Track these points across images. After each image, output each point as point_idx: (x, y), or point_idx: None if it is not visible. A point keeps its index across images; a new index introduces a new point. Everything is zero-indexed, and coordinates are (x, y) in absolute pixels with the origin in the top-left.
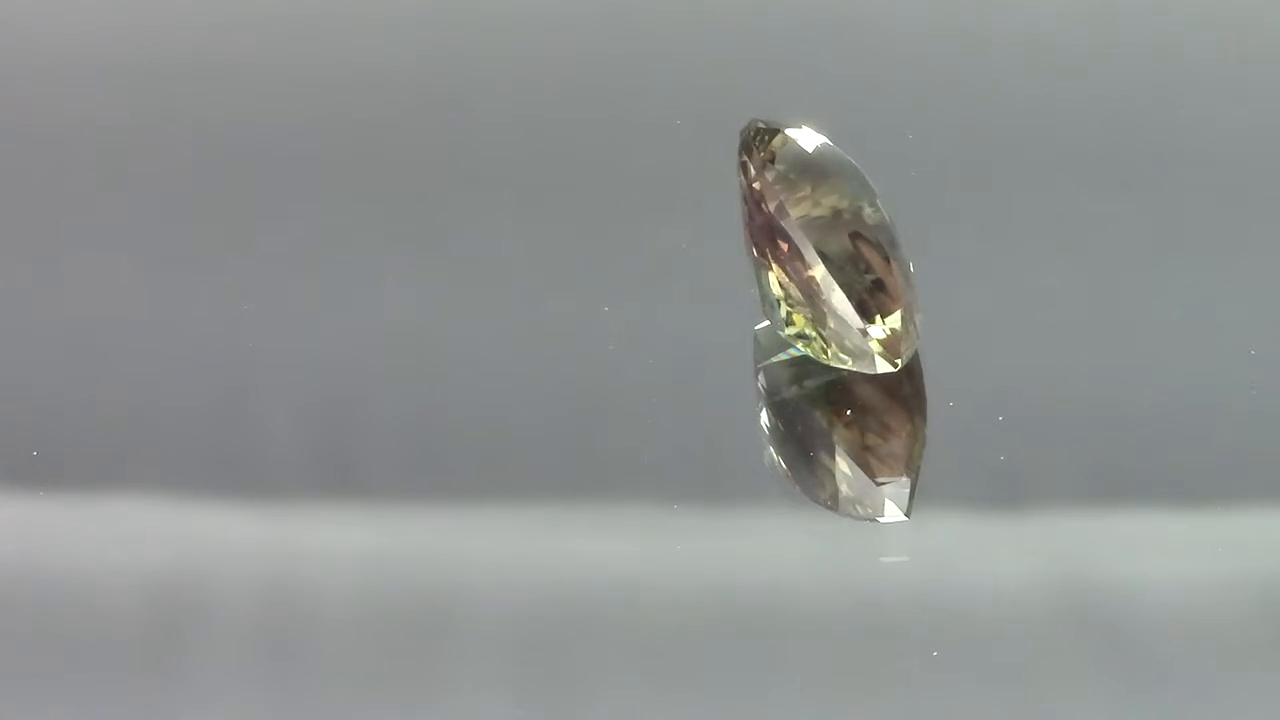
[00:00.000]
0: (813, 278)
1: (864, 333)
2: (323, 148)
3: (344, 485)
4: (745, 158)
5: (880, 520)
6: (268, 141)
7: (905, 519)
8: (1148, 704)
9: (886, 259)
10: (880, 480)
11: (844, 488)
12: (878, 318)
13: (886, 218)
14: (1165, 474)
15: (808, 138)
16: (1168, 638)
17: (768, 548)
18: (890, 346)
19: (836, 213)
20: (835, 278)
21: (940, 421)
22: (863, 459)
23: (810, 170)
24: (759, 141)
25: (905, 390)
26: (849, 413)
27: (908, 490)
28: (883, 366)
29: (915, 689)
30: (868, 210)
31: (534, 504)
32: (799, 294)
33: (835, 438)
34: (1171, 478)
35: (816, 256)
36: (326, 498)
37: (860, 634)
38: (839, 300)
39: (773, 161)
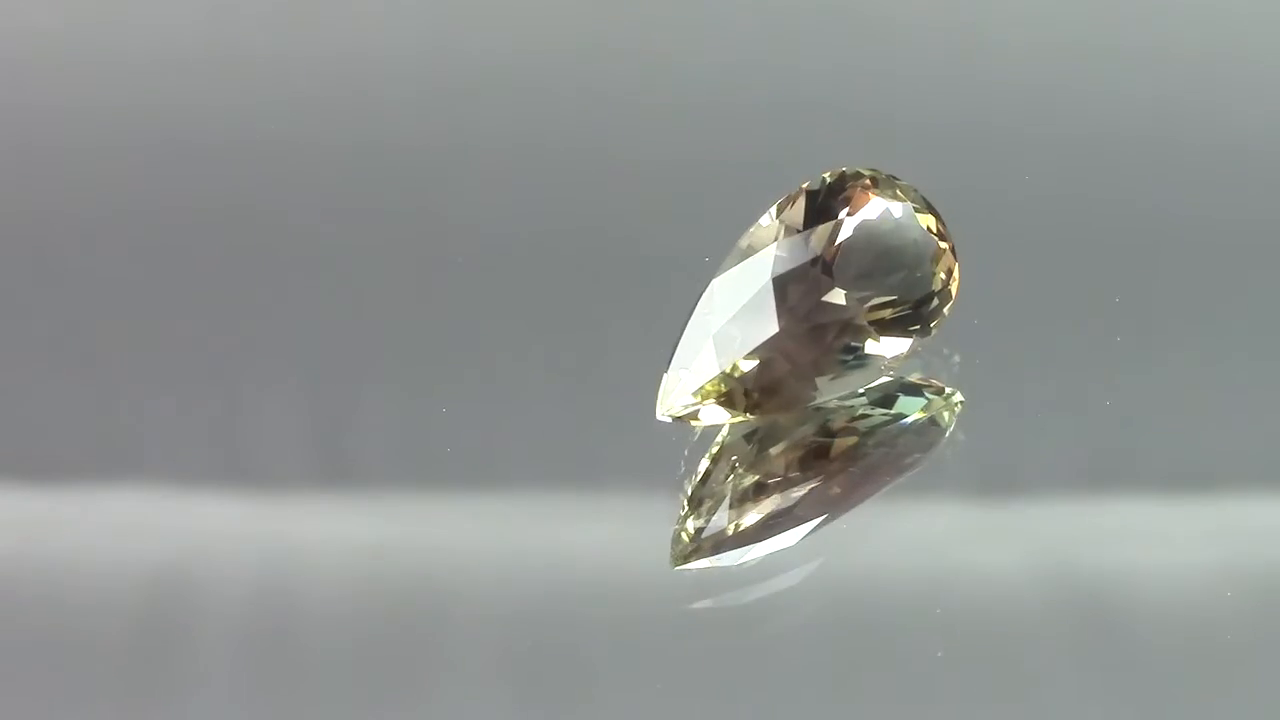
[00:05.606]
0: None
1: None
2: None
3: (339, 475)
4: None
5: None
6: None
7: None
8: (1139, 694)
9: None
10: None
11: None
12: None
13: (865, 308)
14: (1157, 461)
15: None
16: (1160, 627)
17: None
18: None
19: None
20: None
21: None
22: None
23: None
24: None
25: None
26: (736, 461)
27: (682, 547)
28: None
29: (907, 680)
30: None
31: (531, 493)
32: None
33: (716, 478)
34: (1163, 465)
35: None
36: (322, 488)
37: (852, 626)
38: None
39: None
